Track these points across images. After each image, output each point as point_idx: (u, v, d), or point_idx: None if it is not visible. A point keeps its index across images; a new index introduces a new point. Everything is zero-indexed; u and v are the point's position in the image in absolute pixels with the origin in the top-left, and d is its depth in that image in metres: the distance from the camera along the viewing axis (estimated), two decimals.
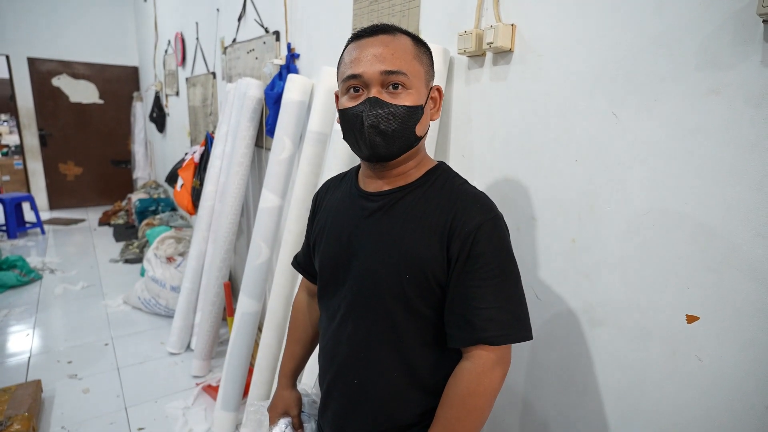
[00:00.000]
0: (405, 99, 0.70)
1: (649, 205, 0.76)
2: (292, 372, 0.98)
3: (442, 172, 0.78)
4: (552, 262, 0.94)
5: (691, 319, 0.73)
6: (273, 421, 0.93)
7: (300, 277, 1.46)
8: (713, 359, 0.70)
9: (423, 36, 1.17)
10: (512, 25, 0.95)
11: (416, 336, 0.74)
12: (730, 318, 0.68)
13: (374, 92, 0.70)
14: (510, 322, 0.68)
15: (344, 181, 0.87)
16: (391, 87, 0.70)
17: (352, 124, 0.72)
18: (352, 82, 0.72)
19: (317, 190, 0.95)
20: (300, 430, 0.93)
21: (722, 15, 0.65)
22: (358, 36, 0.74)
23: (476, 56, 1.04)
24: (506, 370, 0.71)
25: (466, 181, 0.78)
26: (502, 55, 0.98)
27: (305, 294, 1.00)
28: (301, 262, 0.98)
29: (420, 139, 0.75)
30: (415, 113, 0.71)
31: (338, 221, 0.82)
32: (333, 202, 0.86)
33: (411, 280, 0.72)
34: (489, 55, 1.01)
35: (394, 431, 0.77)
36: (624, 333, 0.82)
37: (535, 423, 1.02)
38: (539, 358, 0.99)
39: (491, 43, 0.95)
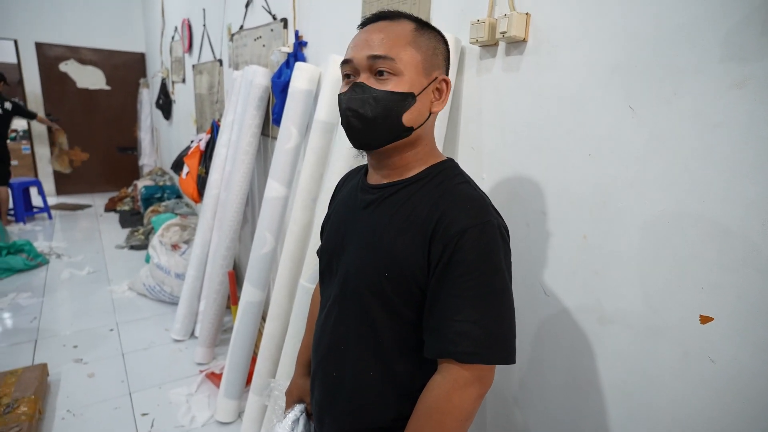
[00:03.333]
0: (392, 85, 0.67)
1: (665, 201, 0.74)
2: (308, 361, 0.97)
3: (445, 168, 0.74)
4: (561, 257, 0.92)
5: (704, 319, 0.71)
6: (289, 406, 0.94)
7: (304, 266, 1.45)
8: (727, 361, 0.69)
9: (434, 24, 1.14)
10: (527, 14, 0.92)
11: (396, 338, 0.71)
12: (746, 319, 0.66)
13: (362, 78, 0.68)
14: (483, 340, 0.62)
15: (359, 174, 0.86)
16: (378, 73, 0.67)
17: (339, 108, 0.72)
18: (344, 68, 0.71)
19: (340, 179, 0.95)
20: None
21: (750, 4, 0.62)
22: (363, 23, 0.73)
23: (488, 46, 1.01)
24: (483, 392, 0.65)
25: (467, 181, 0.73)
26: (516, 45, 0.96)
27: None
28: None
29: (410, 129, 0.70)
30: (401, 100, 0.67)
31: (341, 211, 0.82)
32: (344, 193, 0.86)
33: (391, 279, 0.68)
34: (502, 45, 0.99)
35: (367, 431, 0.75)
36: (634, 332, 0.81)
37: (539, 419, 1.01)
38: (545, 354, 0.98)
39: (504, 32, 0.92)
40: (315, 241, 1.39)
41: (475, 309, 0.63)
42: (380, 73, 0.67)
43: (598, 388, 0.88)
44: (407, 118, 0.69)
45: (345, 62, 0.70)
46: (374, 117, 0.68)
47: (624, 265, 0.81)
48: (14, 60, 5.18)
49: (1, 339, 2.38)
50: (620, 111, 0.79)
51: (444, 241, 0.65)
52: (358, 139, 0.71)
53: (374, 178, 0.78)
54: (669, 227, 0.74)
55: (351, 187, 0.84)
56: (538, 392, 1.00)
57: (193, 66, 3.41)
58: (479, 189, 0.73)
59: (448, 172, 0.74)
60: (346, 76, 0.72)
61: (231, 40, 2.55)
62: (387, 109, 0.67)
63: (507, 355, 0.64)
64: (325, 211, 1.32)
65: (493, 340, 0.63)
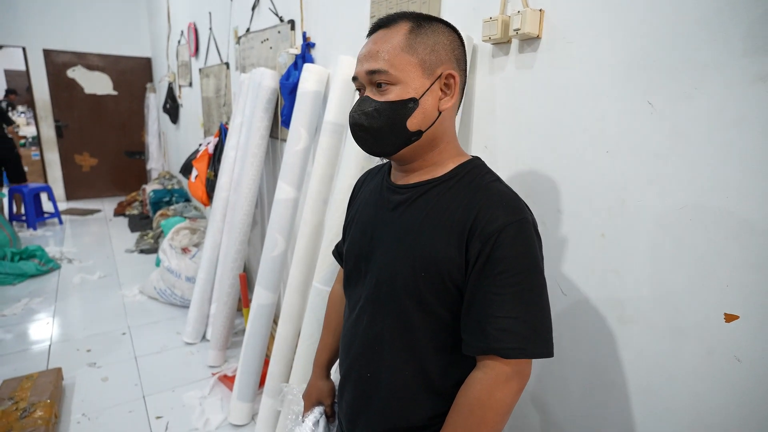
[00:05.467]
0: (392, 95, 0.69)
1: (686, 198, 0.73)
2: (326, 363, 0.97)
3: (474, 167, 0.74)
4: (579, 256, 0.91)
5: (729, 318, 0.69)
6: (307, 409, 0.94)
7: (318, 267, 1.45)
8: (753, 360, 0.67)
9: None
10: (540, 10, 0.91)
11: (431, 337, 0.72)
12: None
13: (368, 91, 0.71)
14: (527, 335, 0.63)
15: (380, 173, 0.86)
16: (378, 85, 0.70)
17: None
18: (355, 84, 0.74)
19: (357, 179, 0.95)
20: (333, 418, 0.93)
21: None
22: (368, 33, 0.75)
23: (501, 44, 1.00)
24: (522, 385, 0.66)
25: (498, 179, 0.73)
26: (529, 42, 0.95)
27: (341, 285, 0.98)
28: (341, 252, 0.96)
29: (419, 133, 0.71)
30: (401, 108, 0.68)
31: (366, 212, 0.82)
32: (366, 193, 0.86)
33: (426, 278, 0.69)
34: (515, 43, 0.98)
35: (403, 430, 0.76)
36: (656, 331, 0.79)
37: (558, 421, 1.00)
38: (563, 355, 0.97)
39: (518, 29, 0.91)
40: (327, 243, 1.39)
41: (516, 305, 0.64)
42: (379, 85, 0.70)
43: (619, 387, 0.86)
44: (412, 123, 0.70)
45: (354, 79, 0.74)
46: (379, 128, 0.70)
47: (644, 263, 0.80)
48: (23, 67, 5.24)
49: (16, 344, 2.40)
50: (639, 107, 0.78)
51: (482, 239, 0.65)
52: (369, 150, 0.75)
53: (400, 179, 0.78)
54: (691, 225, 0.73)
55: (374, 187, 0.84)
56: (558, 391, 0.99)
57: (200, 69, 3.43)
58: (509, 186, 0.72)
59: (476, 170, 0.74)
60: (357, 91, 0.75)
61: (238, 42, 2.56)
62: (389, 118, 0.69)
63: (547, 349, 0.65)
64: (339, 213, 1.32)
65: (535, 334, 0.64)
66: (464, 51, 0.75)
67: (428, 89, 0.70)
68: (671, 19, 0.72)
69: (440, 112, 0.72)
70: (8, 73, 7.75)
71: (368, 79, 0.70)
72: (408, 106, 0.69)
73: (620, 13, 0.78)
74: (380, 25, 0.72)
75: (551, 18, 0.90)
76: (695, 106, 0.70)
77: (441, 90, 0.71)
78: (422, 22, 0.70)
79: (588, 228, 0.89)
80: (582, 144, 0.87)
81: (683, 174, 0.73)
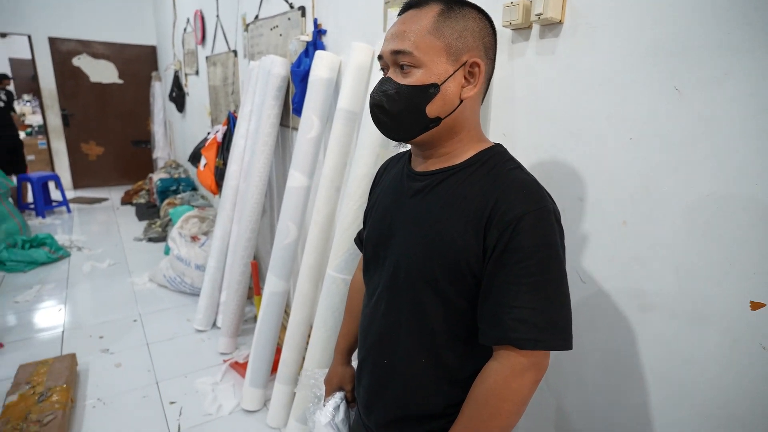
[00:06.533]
0: (414, 78, 0.68)
1: (713, 185, 0.72)
2: (347, 349, 0.99)
3: (494, 154, 0.73)
4: (599, 244, 0.91)
5: (755, 305, 0.69)
6: (328, 394, 0.96)
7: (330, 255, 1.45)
8: None
9: None
10: None
11: (447, 325, 0.71)
12: None
13: (390, 72, 0.71)
14: (544, 326, 0.62)
15: (401, 160, 0.85)
16: (401, 67, 0.69)
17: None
18: (380, 63, 0.73)
19: (377, 166, 0.95)
20: (353, 404, 0.95)
21: None
22: (399, 11, 0.73)
23: (522, 29, 0.99)
24: (539, 377, 0.65)
25: (519, 167, 0.72)
26: (551, 27, 0.93)
27: (362, 272, 0.99)
28: (362, 239, 0.96)
29: (437, 120, 0.70)
30: (421, 93, 0.67)
31: (386, 199, 0.81)
32: (387, 180, 0.86)
33: (443, 267, 0.68)
34: (536, 28, 0.96)
35: (418, 418, 0.76)
36: (678, 319, 0.79)
37: (574, 409, 1.00)
38: (581, 342, 0.97)
39: (540, 14, 0.90)
40: (340, 231, 1.39)
41: (534, 295, 0.62)
42: (402, 67, 0.68)
43: (639, 375, 0.87)
44: (431, 109, 0.69)
45: (379, 57, 0.73)
46: (398, 111, 0.69)
47: (667, 251, 0.79)
48: (28, 56, 5.23)
49: (29, 330, 2.44)
50: (665, 93, 0.76)
51: (500, 227, 0.64)
52: (386, 133, 0.74)
53: (420, 166, 0.77)
54: (717, 212, 0.72)
55: (394, 174, 0.84)
56: (574, 379, 1.00)
57: (207, 58, 3.40)
58: (531, 174, 0.71)
59: (498, 157, 0.72)
60: (382, 71, 0.74)
61: (246, 30, 2.54)
62: (408, 102, 0.68)
63: (565, 341, 0.64)
64: (353, 201, 1.32)
65: (552, 326, 0.63)
66: (495, 39, 0.74)
67: (451, 76, 0.68)
68: (702, 2, 0.70)
69: (462, 101, 0.71)
70: (13, 62, 7.72)
71: (392, 60, 0.69)
72: (429, 91, 0.67)
73: None
74: (411, 5, 0.70)
75: (574, 2, 0.88)
76: (725, 92, 0.69)
77: (465, 78, 0.70)
78: (453, 5, 0.69)
79: (609, 215, 0.88)
80: (604, 131, 0.86)
81: (710, 161, 0.72)
